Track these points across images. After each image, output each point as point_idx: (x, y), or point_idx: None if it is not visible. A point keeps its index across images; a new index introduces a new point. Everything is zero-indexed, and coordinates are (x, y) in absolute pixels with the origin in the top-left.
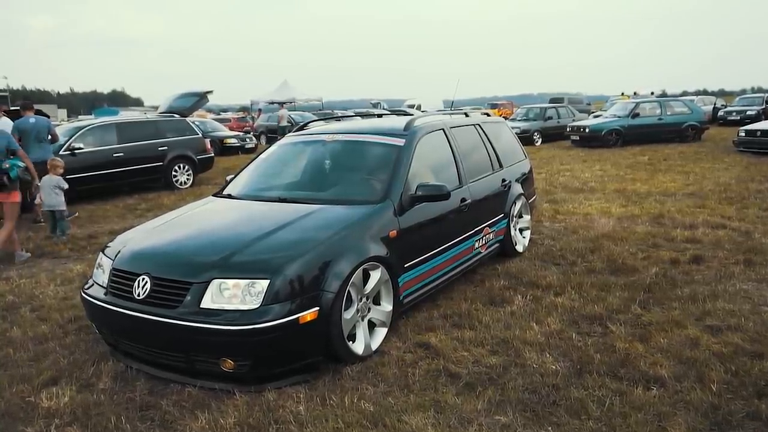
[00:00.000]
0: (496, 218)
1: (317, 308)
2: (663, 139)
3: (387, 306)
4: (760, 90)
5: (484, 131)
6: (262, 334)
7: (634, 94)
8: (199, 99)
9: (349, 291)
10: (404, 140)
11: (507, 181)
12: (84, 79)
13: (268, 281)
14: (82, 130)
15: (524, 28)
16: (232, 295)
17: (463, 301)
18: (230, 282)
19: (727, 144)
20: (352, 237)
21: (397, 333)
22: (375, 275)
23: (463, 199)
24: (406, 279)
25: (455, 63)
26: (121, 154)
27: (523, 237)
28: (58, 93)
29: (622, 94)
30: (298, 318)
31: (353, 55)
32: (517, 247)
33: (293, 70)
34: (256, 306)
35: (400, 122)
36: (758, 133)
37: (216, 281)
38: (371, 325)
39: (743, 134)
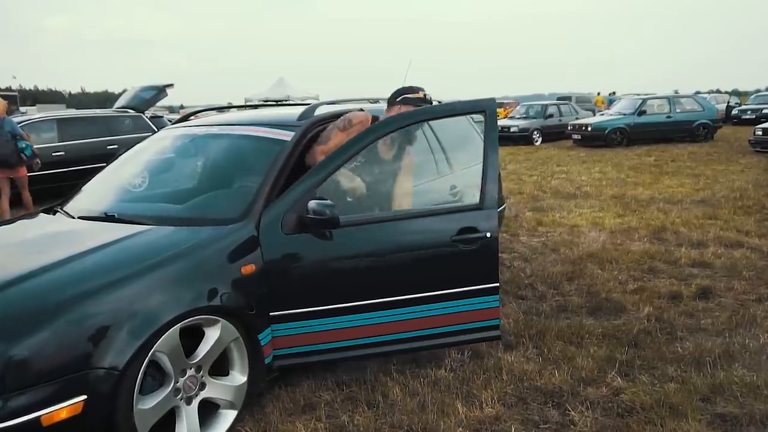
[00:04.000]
0: None
1: (83, 397)
2: (672, 138)
3: (238, 377)
4: None
5: (428, 124)
6: None
7: (612, 94)
8: (157, 93)
9: (157, 363)
10: (293, 133)
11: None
12: (96, 80)
13: None
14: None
15: (538, 27)
16: None
17: (369, 361)
18: None
19: (743, 144)
20: (165, 278)
21: (258, 414)
22: (212, 333)
23: None
24: (278, 334)
25: (465, 62)
26: (62, 153)
27: None
28: (70, 93)
29: (598, 94)
30: (39, 417)
31: (359, 54)
32: None
33: (300, 70)
34: None
35: (299, 111)
36: None
37: None
38: (212, 407)
39: (760, 133)
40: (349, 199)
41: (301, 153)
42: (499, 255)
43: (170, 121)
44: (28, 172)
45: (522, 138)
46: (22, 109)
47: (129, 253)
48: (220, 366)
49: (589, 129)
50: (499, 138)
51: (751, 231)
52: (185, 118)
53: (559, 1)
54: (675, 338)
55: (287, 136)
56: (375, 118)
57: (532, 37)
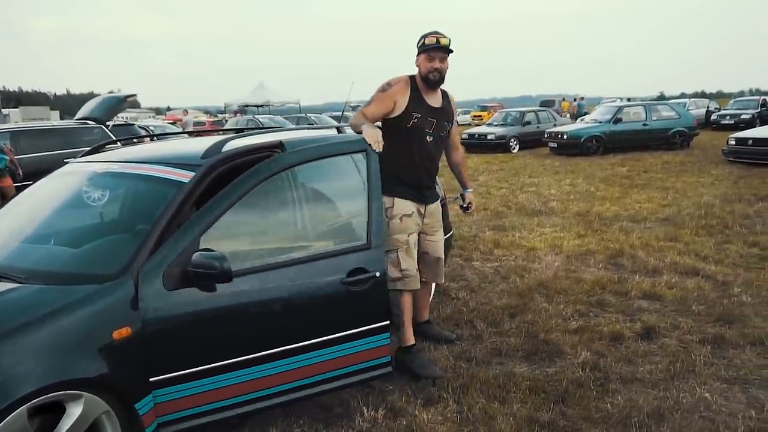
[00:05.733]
0: None
1: None
2: (648, 146)
3: None
4: (757, 92)
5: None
6: None
7: (580, 98)
8: (118, 103)
9: None
10: (193, 174)
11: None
12: (82, 81)
13: None
14: None
15: (525, 29)
16: None
17: (274, 423)
18: None
19: (717, 152)
20: (14, 351)
21: None
22: (74, 410)
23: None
24: (162, 399)
25: (454, 64)
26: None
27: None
28: (55, 94)
29: (563, 99)
30: None
31: (351, 55)
32: None
33: (294, 70)
34: None
35: (206, 145)
36: (750, 142)
37: None
38: None
39: (733, 142)
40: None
41: (202, 196)
42: (447, 284)
43: (144, 128)
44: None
45: (499, 146)
46: (5, 111)
47: None
48: None
49: (565, 137)
50: (477, 145)
51: (709, 256)
52: (96, 150)
53: (553, 2)
54: (607, 391)
55: (186, 176)
56: (412, 78)
57: (524, 39)
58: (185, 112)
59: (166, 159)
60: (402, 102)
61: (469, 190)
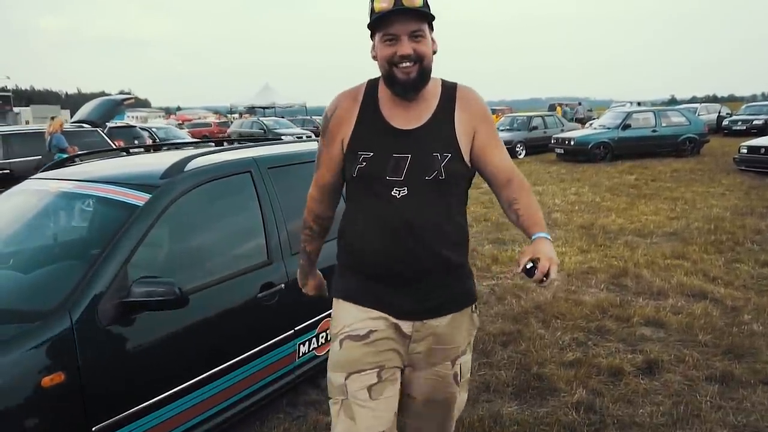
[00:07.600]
0: None
1: None
2: (657, 153)
3: None
4: None
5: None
6: None
7: (577, 104)
8: (115, 106)
9: None
10: (149, 196)
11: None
12: (92, 80)
13: None
14: None
15: (534, 30)
16: None
17: None
18: None
19: (728, 160)
20: None
21: None
22: None
23: (269, 285)
24: None
25: (462, 64)
26: (7, 171)
27: None
28: (66, 94)
29: (558, 105)
30: None
31: (354, 55)
32: None
33: (298, 69)
34: None
35: (168, 163)
36: (762, 150)
37: None
38: None
39: (745, 151)
40: None
41: (163, 219)
42: None
43: (147, 129)
44: None
45: None
46: (16, 109)
47: None
48: None
49: (572, 143)
50: None
51: (717, 277)
52: (61, 164)
53: (560, 3)
54: None
55: (141, 199)
56: (371, 84)
57: (533, 40)
58: (168, 115)
59: (123, 179)
60: (346, 133)
61: (540, 234)
